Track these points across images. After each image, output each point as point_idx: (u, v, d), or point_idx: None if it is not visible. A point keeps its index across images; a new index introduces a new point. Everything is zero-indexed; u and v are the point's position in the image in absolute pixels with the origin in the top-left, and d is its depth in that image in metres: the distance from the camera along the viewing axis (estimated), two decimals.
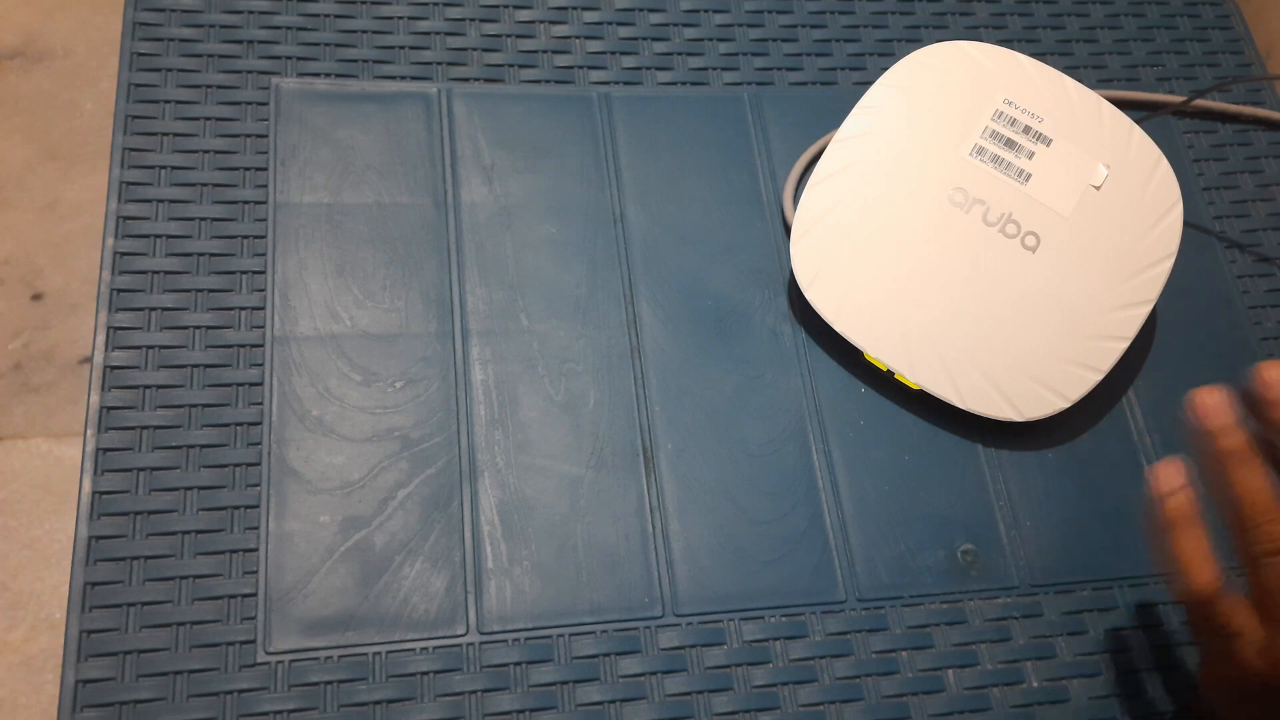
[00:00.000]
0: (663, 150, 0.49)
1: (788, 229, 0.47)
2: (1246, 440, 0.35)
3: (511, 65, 0.49)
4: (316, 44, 0.48)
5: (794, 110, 0.50)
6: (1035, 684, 0.41)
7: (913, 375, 0.44)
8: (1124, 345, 0.44)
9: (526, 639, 0.39)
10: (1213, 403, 0.35)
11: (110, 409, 0.40)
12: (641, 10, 0.52)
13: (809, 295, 0.45)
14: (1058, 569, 0.43)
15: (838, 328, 0.45)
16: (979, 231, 0.45)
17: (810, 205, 0.46)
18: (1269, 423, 0.35)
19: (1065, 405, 0.44)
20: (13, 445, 1.04)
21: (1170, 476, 0.36)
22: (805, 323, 0.46)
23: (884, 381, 0.46)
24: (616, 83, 0.50)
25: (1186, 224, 0.46)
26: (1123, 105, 0.53)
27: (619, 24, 0.51)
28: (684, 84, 0.50)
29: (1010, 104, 0.47)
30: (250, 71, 0.47)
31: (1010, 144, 0.46)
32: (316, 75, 0.47)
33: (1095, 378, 0.44)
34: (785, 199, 0.48)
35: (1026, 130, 0.46)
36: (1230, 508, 0.35)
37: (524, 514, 0.41)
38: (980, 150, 0.46)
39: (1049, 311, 0.44)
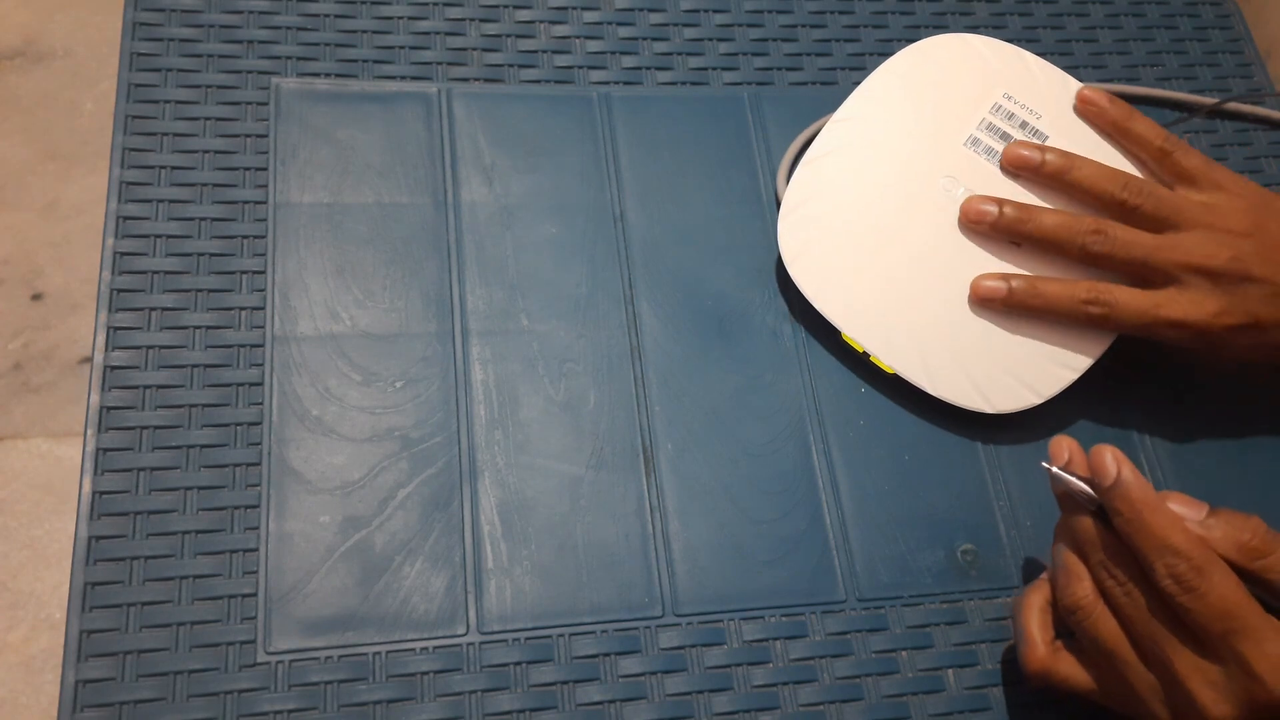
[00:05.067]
0: (663, 150, 0.49)
1: (779, 203, 0.47)
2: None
3: (511, 65, 0.49)
4: (316, 44, 0.48)
5: (794, 110, 0.50)
6: None
7: (888, 358, 0.44)
8: (1104, 345, 0.44)
9: (526, 639, 0.39)
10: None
11: (110, 409, 0.40)
12: (641, 10, 0.52)
13: (791, 271, 0.45)
14: None
15: (817, 305, 0.45)
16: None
17: (802, 182, 0.46)
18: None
19: (1037, 401, 0.44)
20: (13, 445, 1.04)
21: None
22: (805, 322, 0.46)
23: (884, 381, 0.45)
24: (616, 83, 0.50)
25: None
26: (1146, 104, 0.53)
27: (619, 24, 0.51)
28: (684, 84, 0.50)
29: (1009, 98, 0.47)
30: (250, 71, 0.47)
31: (1006, 138, 0.46)
32: (316, 75, 0.47)
33: (1071, 376, 0.44)
34: (779, 174, 0.48)
35: (1023, 125, 0.46)
36: (1051, 583, 0.39)
37: (524, 514, 0.41)
38: (975, 141, 0.46)
39: None
